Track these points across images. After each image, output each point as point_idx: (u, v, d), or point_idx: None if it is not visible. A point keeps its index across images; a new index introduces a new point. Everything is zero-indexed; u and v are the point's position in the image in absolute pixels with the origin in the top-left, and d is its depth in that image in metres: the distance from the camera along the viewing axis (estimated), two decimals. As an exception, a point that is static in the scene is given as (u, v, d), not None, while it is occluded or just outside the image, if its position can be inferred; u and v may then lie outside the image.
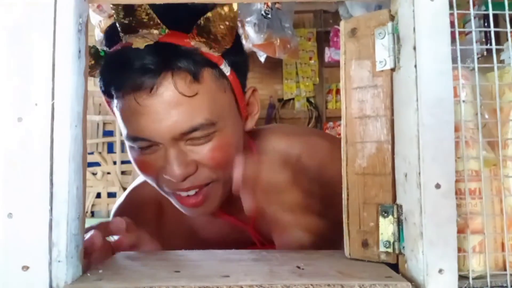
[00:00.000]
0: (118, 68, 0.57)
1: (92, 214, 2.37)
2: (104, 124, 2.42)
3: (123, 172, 2.26)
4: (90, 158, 2.36)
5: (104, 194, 2.39)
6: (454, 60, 0.38)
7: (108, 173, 2.39)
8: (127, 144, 0.62)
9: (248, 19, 1.95)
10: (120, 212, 0.78)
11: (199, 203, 0.61)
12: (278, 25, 2.00)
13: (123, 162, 2.37)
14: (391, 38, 0.42)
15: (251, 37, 1.95)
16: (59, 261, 0.37)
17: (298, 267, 0.42)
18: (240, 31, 2.01)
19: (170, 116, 0.55)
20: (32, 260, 0.36)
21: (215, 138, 0.59)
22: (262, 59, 2.12)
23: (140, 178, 0.78)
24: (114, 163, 2.40)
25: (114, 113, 0.63)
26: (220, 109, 0.59)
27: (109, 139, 2.41)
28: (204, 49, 0.58)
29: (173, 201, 0.64)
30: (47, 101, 0.37)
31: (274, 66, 2.65)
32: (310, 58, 2.69)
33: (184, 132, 0.56)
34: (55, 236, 0.37)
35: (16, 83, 0.37)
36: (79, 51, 0.39)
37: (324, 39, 2.70)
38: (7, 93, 0.37)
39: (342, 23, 0.47)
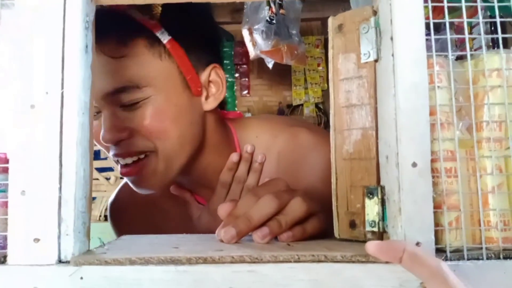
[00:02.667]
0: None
1: (106, 218, 2.42)
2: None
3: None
4: (104, 164, 2.42)
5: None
6: (439, 49, 0.41)
7: (121, 177, 2.44)
8: None
9: (256, 26, 2.00)
10: (113, 207, 0.82)
11: (133, 173, 0.62)
12: (285, 32, 2.04)
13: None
14: (374, 31, 0.45)
15: (259, 43, 1.99)
16: (67, 235, 0.40)
17: (288, 245, 0.45)
18: (248, 38, 2.06)
19: (98, 77, 0.56)
20: (42, 233, 0.40)
21: (147, 105, 0.59)
22: (270, 65, 2.16)
23: None
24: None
25: None
26: (150, 75, 0.60)
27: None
28: (137, 15, 0.60)
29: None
30: (57, 91, 0.41)
31: (283, 73, 2.68)
32: (319, 65, 2.73)
33: (108, 92, 0.58)
34: (64, 212, 0.41)
35: (29, 74, 0.41)
36: (86, 46, 0.43)
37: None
38: (21, 83, 0.41)
39: (330, 19, 0.51)
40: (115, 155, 0.62)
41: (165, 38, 0.61)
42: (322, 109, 2.76)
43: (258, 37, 1.97)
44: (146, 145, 0.61)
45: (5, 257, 0.40)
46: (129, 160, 0.61)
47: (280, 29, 1.98)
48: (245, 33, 2.06)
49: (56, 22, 0.41)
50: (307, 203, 0.50)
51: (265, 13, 1.86)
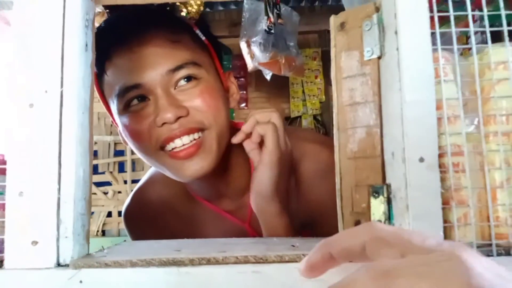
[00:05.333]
0: (113, 27, 0.64)
1: (103, 233, 2.39)
2: (115, 144, 2.47)
3: (133, 191, 2.29)
4: (102, 178, 2.41)
5: (115, 213, 2.42)
6: (444, 43, 0.41)
7: (119, 192, 2.43)
8: (119, 109, 0.65)
9: (254, 39, 2.01)
10: (128, 213, 0.81)
11: (193, 152, 0.62)
12: (283, 44, 2.05)
13: (133, 181, 2.41)
14: (377, 28, 0.45)
15: (257, 55, 2.00)
16: (66, 237, 0.39)
17: (293, 245, 0.44)
18: (246, 50, 2.06)
19: (157, 58, 0.62)
20: (41, 235, 0.39)
21: (202, 83, 0.64)
22: (268, 77, 2.16)
23: (144, 179, 0.82)
24: (125, 182, 2.44)
25: (101, 93, 0.68)
26: (201, 60, 0.66)
27: (120, 158, 2.46)
28: (179, 15, 0.68)
29: (169, 169, 0.65)
30: (56, 89, 0.40)
31: (281, 85, 2.69)
32: (316, 77, 2.74)
33: (170, 69, 0.62)
34: (63, 214, 0.39)
35: (28, 72, 0.40)
36: (86, 45, 0.43)
37: (329, 57, 2.74)
38: (20, 81, 0.40)
39: (332, 18, 0.50)
40: (171, 137, 0.62)
41: (202, 36, 0.69)
42: (321, 121, 2.76)
43: (256, 49, 1.98)
44: (204, 120, 0.64)
45: (1, 261, 0.39)
46: (186, 140, 0.62)
47: (278, 41, 1.99)
48: (243, 45, 2.06)
49: (55, 20, 0.41)
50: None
51: (263, 25, 1.87)
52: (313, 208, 0.72)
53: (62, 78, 0.40)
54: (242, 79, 2.78)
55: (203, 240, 0.51)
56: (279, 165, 0.63)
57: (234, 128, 0.74)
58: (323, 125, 2.74)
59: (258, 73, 2.29)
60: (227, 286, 0.37)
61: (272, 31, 1.77)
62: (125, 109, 0.64)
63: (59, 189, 0.39)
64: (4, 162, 0.42)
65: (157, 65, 0.62)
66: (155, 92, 0.62)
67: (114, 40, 0.63)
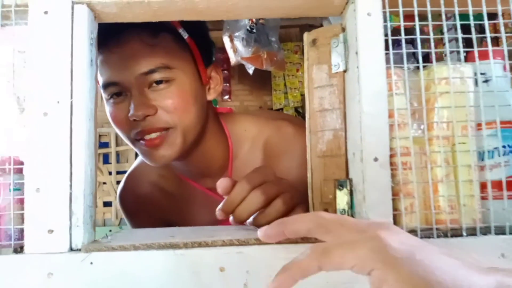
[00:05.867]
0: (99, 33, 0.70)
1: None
2: (100, 136, 2.52)
3: (118, 182, 2.36)
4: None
5: (100, 204, 2.48)
6: (399, 61, 0.48)
7: (104, 183, 2.48)
8: (105, 98, 0.73)
9: (237, 34, 2.07)
10: (123, 195, 0.89)
11: (158, 144, 0.71)
12: (265, 39, 2.12)
13: (118, 173, 2.47)
14: (343, 46, 0.52)
15: (240, 50, 2.06)
16: (77, 226, 0.46)
17: (271, 231, 0.52)
18: (229, 45, 2.12)
19: (133, 60, 0.68)
20: (56, 225, 0.45)
21: (174, 85, 0.70)
22: (250, 71, 2.23)
23: (134, 164, 0.90)
24: (110, 173, 2.50)
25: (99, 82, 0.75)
26: (177, 61, 0.71)
27: (104, 150, 2.51)
28: None
29: (141, 154, 0.74)
30: (67, 100, 0.47)
31: (263, 78, 2.76)
32: (297, 70, 2.82)
33: (143, 72, 0.69)
34: (74, 206, 0.46)
35: (42, 85, 0.46)
36: (91, 60, 0.49)
37: (310, 51, 2.81)
38: (35, 93, 0.46)
39: (305, 35, 0.58)
40: (141, 132, 0.70)
41: (185, 35, 0.74)
42: (302, 113, 2.84)
43: (238, 44, 2.05)
44: (169, 120, 0.71)
45: (21, 247, 0.46)
46: (154, 135, 0.70)
47: (260, 37, 2.06)
48: (226, 40, 2.12)
49: (65, 39, 0.47)
50: (288, 203, 0.57)
51: (246, 21, 1.93)
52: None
53: (71, 90, 0.47)
54: (225, 71, 2.84)
55: (193, 228, 0.59)
56: None
57: (215, 114, 0.82)
58: (304, 117, 2.83)
59: (241, 66, 2.35)
60: (215, 264, 0.45)
61: (254, 30, 1.84)
62: (108, 99, 0.73)
63: (71, 186, 0.46)
64: (19, 163, 0.49)
65: (131, 67, 0.69)
66: (130, 90, 0.70)
67: (102, 34, 0.69)
